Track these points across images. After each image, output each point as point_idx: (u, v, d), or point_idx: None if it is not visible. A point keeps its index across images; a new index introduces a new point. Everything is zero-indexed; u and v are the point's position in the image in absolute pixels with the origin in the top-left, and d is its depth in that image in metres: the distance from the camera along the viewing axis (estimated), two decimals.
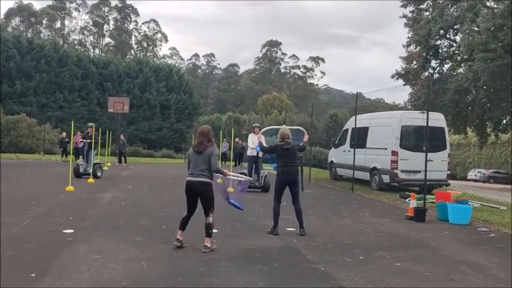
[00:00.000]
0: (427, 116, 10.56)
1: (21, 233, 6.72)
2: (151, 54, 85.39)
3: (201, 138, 6.19)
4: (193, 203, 6.33)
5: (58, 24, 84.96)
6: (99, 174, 15.63)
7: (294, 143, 7.94)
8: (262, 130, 13.09)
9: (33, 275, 4.81)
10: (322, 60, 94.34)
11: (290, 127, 8.40)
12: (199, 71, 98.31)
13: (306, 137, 8.79)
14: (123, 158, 25.73)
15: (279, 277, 5.11)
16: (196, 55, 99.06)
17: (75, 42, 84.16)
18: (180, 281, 4.84)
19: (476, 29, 22.10)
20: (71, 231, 6.95)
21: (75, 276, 4.83)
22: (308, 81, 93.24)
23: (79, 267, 5.14)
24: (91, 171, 15.08)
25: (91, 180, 14.54)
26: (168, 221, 7.99)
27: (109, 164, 22.17)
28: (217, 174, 6.67)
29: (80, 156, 16.93)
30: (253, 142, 12.44)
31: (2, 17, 75.90)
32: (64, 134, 26.72)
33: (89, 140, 15.67)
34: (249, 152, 13.07)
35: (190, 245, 6.30)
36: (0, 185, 11.62)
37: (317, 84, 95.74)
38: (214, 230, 6.61)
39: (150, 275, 4.99)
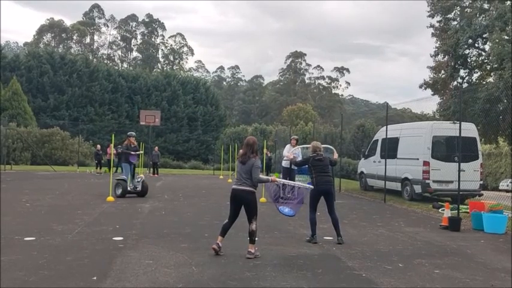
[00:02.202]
0: (460, 126, 10.64)
1: (76, 240, 7.15)
2: (177, 67, 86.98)
3: (245, 150, 6.51)
4: (236, 210, 6.59)
5: (88, 40, 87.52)
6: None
7: (326, 155, 8.21)
8: (294, 148, 13.10)
9: (94, 278, 5.19)
10: (347, 70, 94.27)
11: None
12: (224, 83, 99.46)
13: (335, 155, 9.00)
14: (155, 169, 26.44)
15: (323, 282, 5.36)
16: (221, 67, 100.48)
17: (104, 57, 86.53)
18: (230, 284, 5.14)
19: (506, 37, 21.95)
20: (121, 238, 7.35)
21: (133, 279, 5.19)
22: (333, 92, 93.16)
23: (135, 271, 5.50)
24: (140, 188, 13.50)
25: None
26: (210, 229, 8.34)
27: (142, 175, 22.74)
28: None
29: (119, 170, 15.31)
30: (289, 152, 12.67)
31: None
32: (98, 146, 27.57)
33: (139, 152, 13.92)
34: (284, 163, 13.29)
35: (234, 252, 6.61)
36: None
37: (342, 95, 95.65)
38: None
39: (201, 279, 5.31)
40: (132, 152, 13.53)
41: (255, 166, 6.44)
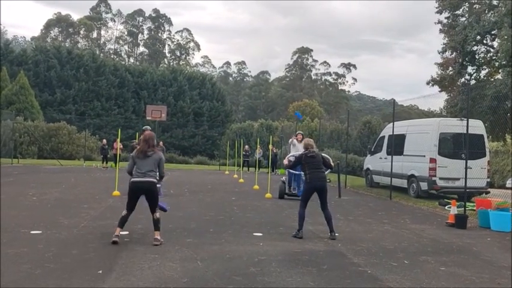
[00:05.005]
0: (467, 123, 10.56)
1: (82, 234, 7.19)
2: (183, 62, 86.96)
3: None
4: (136, 202, 7.14)
5: (94, 34, 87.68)
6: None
7: (319, 152, 8.15)
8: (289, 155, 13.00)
9: (100, 271, 5.21)
10: (354, 66, 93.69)
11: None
12: (231, 78, 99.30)
13: (330, 161, 8.84)
14: None
15: (328, 278, 5.35)
16: (227, 63, 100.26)
17: (111, 52, 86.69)
18: (235, 279, 5.14)
19: None
20: (126, 232, 7.35)
21: (138, 273, 5.20)
22: (339, 88, 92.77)
23: (140, 265, 5.51)
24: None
25: None
26: (215, 225, 8.37)
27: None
28: None
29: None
30: (298, 150, 12.63)
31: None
32: (104, 141, 27.66)
33: None
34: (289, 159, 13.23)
35: (239, 247, 6.61)
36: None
37: (348, 91, 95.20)
38: (259, 234, 7.28)
39: (206, 274, 5.32)
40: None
41: (163, 160, 7.15)
